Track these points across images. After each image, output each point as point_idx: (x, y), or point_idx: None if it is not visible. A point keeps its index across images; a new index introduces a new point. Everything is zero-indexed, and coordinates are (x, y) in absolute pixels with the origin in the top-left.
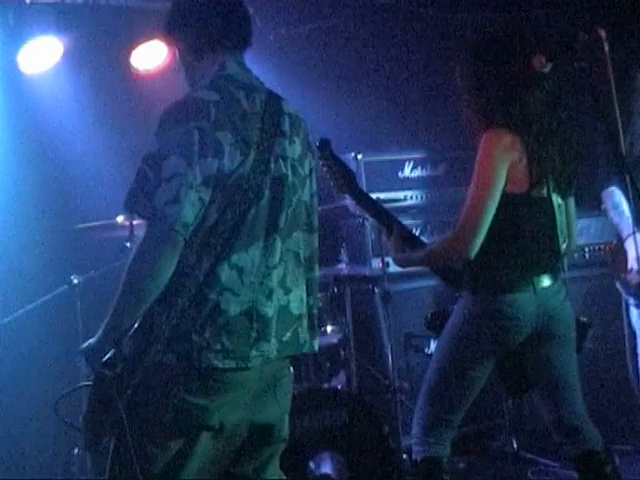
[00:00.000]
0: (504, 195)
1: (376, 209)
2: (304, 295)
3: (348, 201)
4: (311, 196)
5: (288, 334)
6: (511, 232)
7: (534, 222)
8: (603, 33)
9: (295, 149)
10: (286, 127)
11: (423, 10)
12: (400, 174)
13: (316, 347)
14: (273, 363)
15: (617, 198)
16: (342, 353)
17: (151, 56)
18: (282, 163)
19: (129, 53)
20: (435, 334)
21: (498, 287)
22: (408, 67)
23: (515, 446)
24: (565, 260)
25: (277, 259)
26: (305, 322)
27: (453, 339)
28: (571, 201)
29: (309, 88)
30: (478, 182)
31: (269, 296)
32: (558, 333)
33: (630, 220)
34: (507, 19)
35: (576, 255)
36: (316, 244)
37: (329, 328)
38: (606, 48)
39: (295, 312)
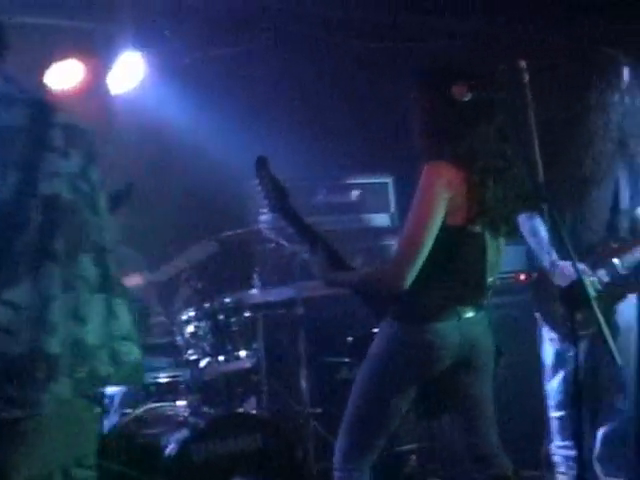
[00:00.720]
0: (441, 227)
1: (306, 230)
2: (106, 323)
3: (262, 225)
4: (98, 212)
5: (84, 369)
6: (442, 263)
7: (466, 255)
8: (523, 64)
9: (72, 164)
10: (58, 141)
11: (337, 38)
12: (313, 200)
13: (141, 379)
14: (72, 403)
15: (535, 223)
16: (254, 378)
17: (66, 75)
18: (55, 181)
19: (43, 72)
20: (356, 360)
21: (424, 316)
22: (322, 94)
23: (426, 472)
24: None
25: (56, 289)
26: (106, 352)
27: (376, 366)
28: (502, 238)
29: (223, 112)
30: (418, 214)
31: (52, 331)
32: (479, 362)
33: (550, 248)
34: (427, 49)
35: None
36: (111, 263)
37: (242, 353)
38: (526, 78)
39: (92, 343)
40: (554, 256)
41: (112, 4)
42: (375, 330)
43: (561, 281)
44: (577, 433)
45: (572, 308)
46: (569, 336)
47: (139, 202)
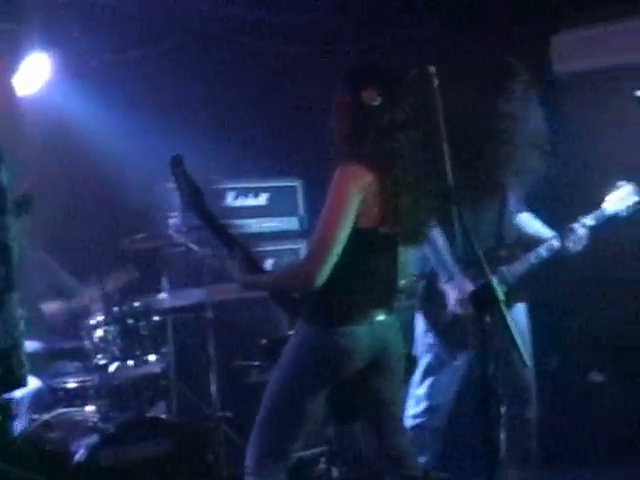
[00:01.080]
0: (352, 229)
1: (221, 231)
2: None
3: (171, 229)
4: (4, 212)
5: None
6: (354, 266)
7: (378, 258)
8: (433, 69)
9: None
10: None
11: (249, 40)
12: (223, 203)
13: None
14: None
15: (434, 233)
16: (164, 382)
17: None
18: None
19: None
20: (269, 363)
21: (336, 319)
22: (231, 97)
23: (335, 474)
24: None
25: None
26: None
27: (289, 369)
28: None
29: (132, 114)
30: (329, 214)
31: None
32: (390, 365)
33: (449, 259)
34: (338, 53)
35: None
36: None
37: (151, 357)
38: (435, 83)
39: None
40: (453, 267)
41: (18, 4)
42: (289, 333)
43: (457, 294)
44: (488, 439)
45: (481, 312)
46: (452, 345)
47: (48, 205)
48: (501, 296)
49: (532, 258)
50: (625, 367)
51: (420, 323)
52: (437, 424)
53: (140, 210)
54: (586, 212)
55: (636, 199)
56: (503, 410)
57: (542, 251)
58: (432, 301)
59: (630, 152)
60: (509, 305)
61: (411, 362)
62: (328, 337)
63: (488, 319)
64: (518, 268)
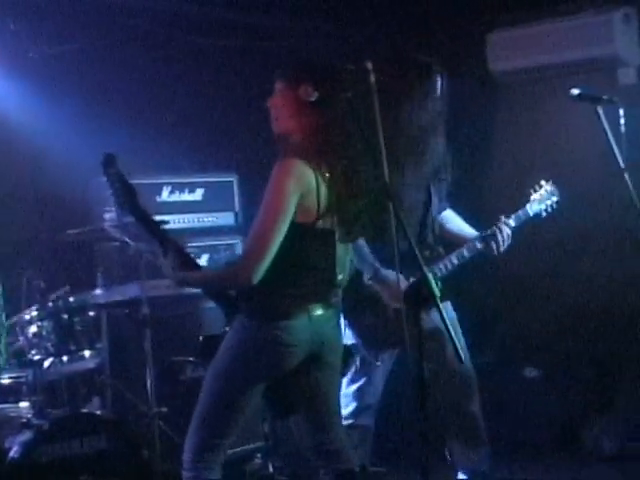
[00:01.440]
0: (291, 224)
1: (154, 228)
2: None
3: (107, 224)
4: None
5: None
6: (292, 261)
7: (315, 253)
8: (370, 65)
9: None
10: None
11: (184, 36)
12: (158, 198)
13: None
14: None
15: None
16: (99, 378)
17: None
18: None
19: None
20: (205, 359)
21: (275, 314)
22: (168, 91)
23: (271, 469)
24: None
25: None
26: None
27: (226, 364)
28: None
29: (68, 108)
30: (267, 209)
31: None
32: (328, 359)
33: (373, 257)
34: (275, 48)
35: None
36: None
37: (86, 353)
38: (372, 79)
39: None
40: (377, 265)
41: None
42: (226, 329)
43: (387, 293)
44: (423, 436)
45: (417, 308)
46: (375, 346)
47: None
48: (437, 291)
49: (455, 259)
50: (559, 363)
51: (343, 325)
52: (367, 423)
53: (75, 205)
54: (510, 210)
55: (555, 199)
56: (444, 407)
57: (465, 252)
58: (353, 302)
59: (564, 150)
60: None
61: (350, 356)
62: (267, 331)
63: (424, 315)
64: (442, 268)
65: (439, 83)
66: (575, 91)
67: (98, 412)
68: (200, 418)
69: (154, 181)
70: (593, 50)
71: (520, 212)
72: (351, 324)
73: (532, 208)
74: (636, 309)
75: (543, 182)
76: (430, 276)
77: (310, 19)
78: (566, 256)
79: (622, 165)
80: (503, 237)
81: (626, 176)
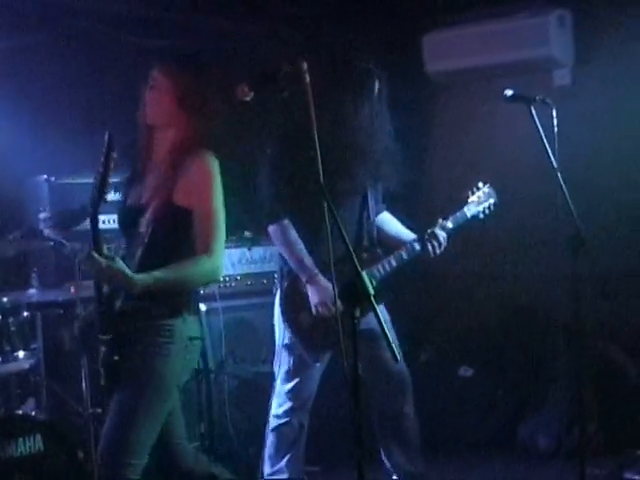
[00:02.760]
0: None
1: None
2: None
3: (41, 224)
4: None
5: None
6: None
7: None
8: (305, 65)
9: None
10: None
11: (123, 35)
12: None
13: None
14: None
15: (292, 233)
16: (33, 379)
17: None
18: None
19: None
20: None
21: (192, 309)
22: (105, 90)
23: None
24: None
25: None
26: None
27: (162, 360)
28: None
29: (3, 107)
30: (214, 202)
31: None
32: None
33: (308, 259)
34: (208, 47)
35: (265, 281)
36: None
37: (20, 353)
38: (307, 79)
39: None
40: (312, 267)
41: None
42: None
43: (317, 296)
44: (358, 435)
45: (351, 306)
46: (314, 347)
47: None
48: (372, 290)
49: (393, 261)
50: (493, 361)
51: (280, 325)
52: (301, 421)
53: (10, 205)
54: (447, 212)
55: (492, 201)
56: (378, 407)
57: (403, 254)
58: (292, 303)
59: (499, 151)
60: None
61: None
62: (190, 327)
63: (358, 314)
64: (380, 270)
65: (377, 86)
66: (509, 92)
67: (33, 413)
68: (116, 446)
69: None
70: (528, 52)
71: (458, 214)
72: (289, 325)
73: (470, 210)
74: (569, 307)
75: (480, 184)
76: (364, 275)
77: (246, 20)
78: (500, 255)
79: (555, 165)
80: (440, 240)
81: (559, 175)
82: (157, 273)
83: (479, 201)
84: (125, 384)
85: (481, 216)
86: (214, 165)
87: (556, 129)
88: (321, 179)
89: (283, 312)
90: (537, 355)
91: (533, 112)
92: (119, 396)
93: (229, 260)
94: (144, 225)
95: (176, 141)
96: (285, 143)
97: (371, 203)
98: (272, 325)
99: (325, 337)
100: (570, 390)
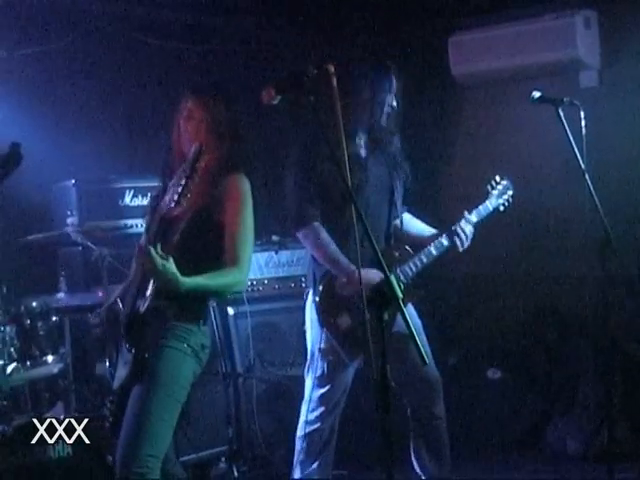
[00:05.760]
0: None
1: None
2: None
3: (69, 228)
4: None
5: None
6: None
7: None
8: (332, 68)
9: None
10: None
11: (145, 38)
12: (120, 202)
13: None
14: None
15: (324, 235)
16: (62, 383)
17: None
18: None
19: None
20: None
21: (206, 317)
22: (130, 95)
23: (236, 474)
24: None
25: None
26: None
27: (176, 367)
28: None
29: (29, 112)
30: (245, 219)
31: None
32: None
33: (345, 258)
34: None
35: (292, 285)
36: None
37: (49, 358)
38: (334, 82)
39: None
40: (349, 265)
41: None
42: None
43: (354, 288)
44: (387, 439)
45: (380, 309)
46: (354, 348)
47: None
48: (400, 293)
49: (424, 257)
50: (521, 364)
51: (315, 330)
52: (332, 426)
53: (38, 209)
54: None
55: (510, 193)
56: (409, 409)
57: (432, 250)
58: (329, 306)
59: (526, 153)
60: (404, 304)
61: None
62: (204, 335)
63: (386, 317)
64: (412, 267)
65: (394, 81)
66: (536, 94)
67: (62, 417)
68: (137, 441)
69: (116, 185)
70: (555, 53)
71: (480, 207)
72: (328, 329)
73: (491, 203)
74: (597, 309)
75: (498, 178)
76: (393, 278)
77: (273, 22)
78: (527, 257)
79: (583, 167)
80: (467, 233)
81: (587, 177)
82: (199, 279)
83: (499, 193)
84: (142, 381)
85: (501, 208)
86: (246, 184)
87: (584, 131)
88: (349, 182)
89: (320, 316)
90: (565, 357)
91: (561, 114)
92: (135, 392)
93: (256, 263)
94: (176, 234)
95: (209, 164)
96: (312, 146)
97: (397, 200)
98: (301, 329)
99: (363, 338)
100: (598, 393)
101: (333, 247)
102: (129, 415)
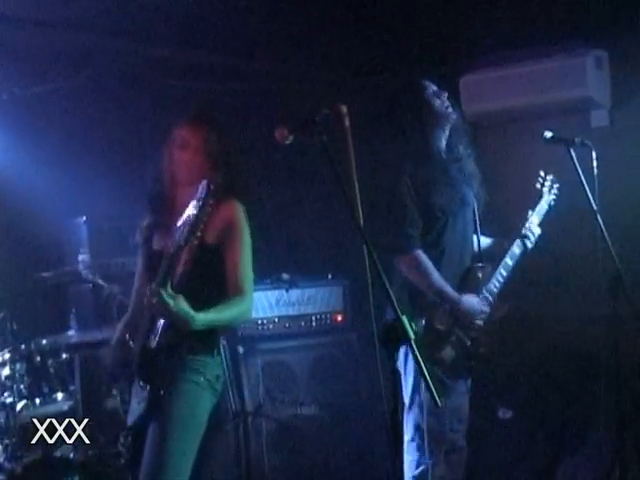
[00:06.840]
0: None
1: None
2: None
3: (79, 266)
4: None
5: None
6: None
7: None
8: (344, 108)
9: None
10: None
11: (163, 79)
12: (131, 240)
13: None
14: None
15: (428, 264)
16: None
17: None
18: None
19: None
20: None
21: (216, 349)
22: (141, 133)
23: None
24: None
25: None
26: None
27: (180, 409)
28: None
29: (42, 150)
30: (243, 246)
31: None
32: None
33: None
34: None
35: (303, 323)
36: None
37: (59, 395)
38: (347, 122)
39: None
40: (455, 294)
41: None
42: None
43: (472, 313)
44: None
45: (391, 349)
46: (460, 374)
47: None
48: (412, 334)
49: (503, 271)
50: (531, 402)
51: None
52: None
53: (48, 247)
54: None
55: (557, 186)
56: None
57: (508, 261)
58: (433, 340)
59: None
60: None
61: None
62: (218, 365)
63: (397, 357)
64: (496, 284)
65: (447, 101)
66: (548, 134)
67: (71, 455)
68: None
69: (128, 223)
70: (566, 93)
71: (537, 208)
72: (434, 364)
73: (546, 201)
74: (609, 348)
75: (542, 173)
76: (405, 318)
77: (286, 61)
78: (539, 296)
79: (595, 207)
80: (535, 235)
81: (598, 217)
82: (211, 314)
83: (549, 189)
84: (159, 418)
85: (553, 203)
86: (240, 211)
87: (596, 171)
88: (360, 222)
89: (426, 350)
90: (577, 397)
91: (573, 154)
92: (153, 429)
93: (267, 301)
94: (179, 267)
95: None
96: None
97: (478, 219)
98: (311, 368)
99: (465, 364)
100: (610, 433)
101: (437, 274)
102: (149, 454)
